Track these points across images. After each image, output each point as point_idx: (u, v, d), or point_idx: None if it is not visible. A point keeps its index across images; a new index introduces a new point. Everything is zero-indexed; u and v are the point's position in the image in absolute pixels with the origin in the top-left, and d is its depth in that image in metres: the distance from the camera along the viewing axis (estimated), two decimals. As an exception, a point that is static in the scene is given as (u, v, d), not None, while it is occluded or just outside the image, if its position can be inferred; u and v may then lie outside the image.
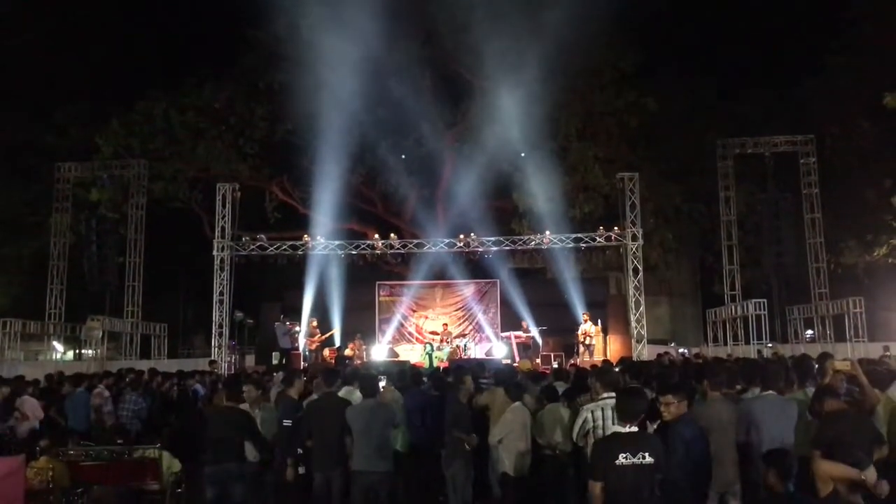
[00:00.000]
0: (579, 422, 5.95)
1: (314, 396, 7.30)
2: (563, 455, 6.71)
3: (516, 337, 18.84)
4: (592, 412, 5.88)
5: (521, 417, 6.73)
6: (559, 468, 6.79)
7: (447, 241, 19.97)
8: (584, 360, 16.78)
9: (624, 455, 4.31)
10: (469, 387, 7.39)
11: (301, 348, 18.61)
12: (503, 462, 6.74)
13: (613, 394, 5.65)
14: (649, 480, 4.35)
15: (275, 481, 6.89)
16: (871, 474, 3.84)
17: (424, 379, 8.54)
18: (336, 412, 6.49)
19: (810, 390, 6.46)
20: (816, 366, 7.33)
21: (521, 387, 7.25)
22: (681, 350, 16.78)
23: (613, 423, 5.37)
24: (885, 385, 6.40)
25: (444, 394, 7.58)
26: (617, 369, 8.77)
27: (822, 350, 16.49)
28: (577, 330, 18.51)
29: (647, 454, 4.33)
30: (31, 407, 9.11)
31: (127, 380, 10.91)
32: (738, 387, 7.20)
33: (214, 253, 19.22)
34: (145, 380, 11.13)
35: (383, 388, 7.73)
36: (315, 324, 19.02)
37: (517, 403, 6.79)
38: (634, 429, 4.53)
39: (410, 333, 21.29)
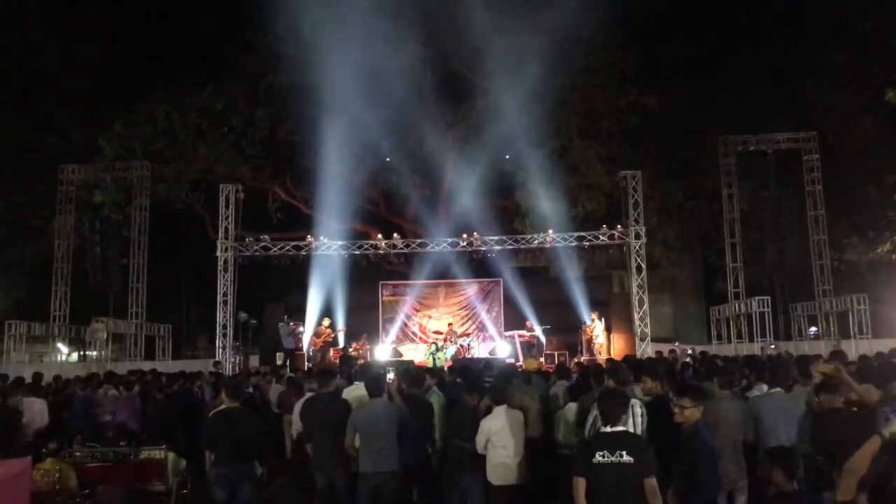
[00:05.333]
0: (590, 419, 5.92)
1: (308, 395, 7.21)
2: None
3: (520, 336, 18.87)
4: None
5: (502, 421, 6.20)
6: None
7: (450, 240, 19.97)
8: (588, 358, 16.79)
9: (601, 454, 4.48)
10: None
11: (305, 349, 18.64)
12: (487, 470, 6.21)
13: None
14: (629, 479, 4.44)
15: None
16: None
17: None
18: (335, 413, 6.48)
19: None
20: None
21: (502, 389, 6.71)
22: (689, 350, 16.69)
23: None
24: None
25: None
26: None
27: (825, 346, 16.57)
28: (582, 328, 18.53)
29: (624, 453, 4.45)
30: (38, 409, 9.12)
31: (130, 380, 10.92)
32: (745, 382, 7.20)
33: (218, 254, 19.25)
34: (149, 381, 11.11)
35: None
36: (327, 324, 19.01)
37: (501, 407, 6.27)
38: (619, 429, 4.64)
39: (414, 333, 21.31)
